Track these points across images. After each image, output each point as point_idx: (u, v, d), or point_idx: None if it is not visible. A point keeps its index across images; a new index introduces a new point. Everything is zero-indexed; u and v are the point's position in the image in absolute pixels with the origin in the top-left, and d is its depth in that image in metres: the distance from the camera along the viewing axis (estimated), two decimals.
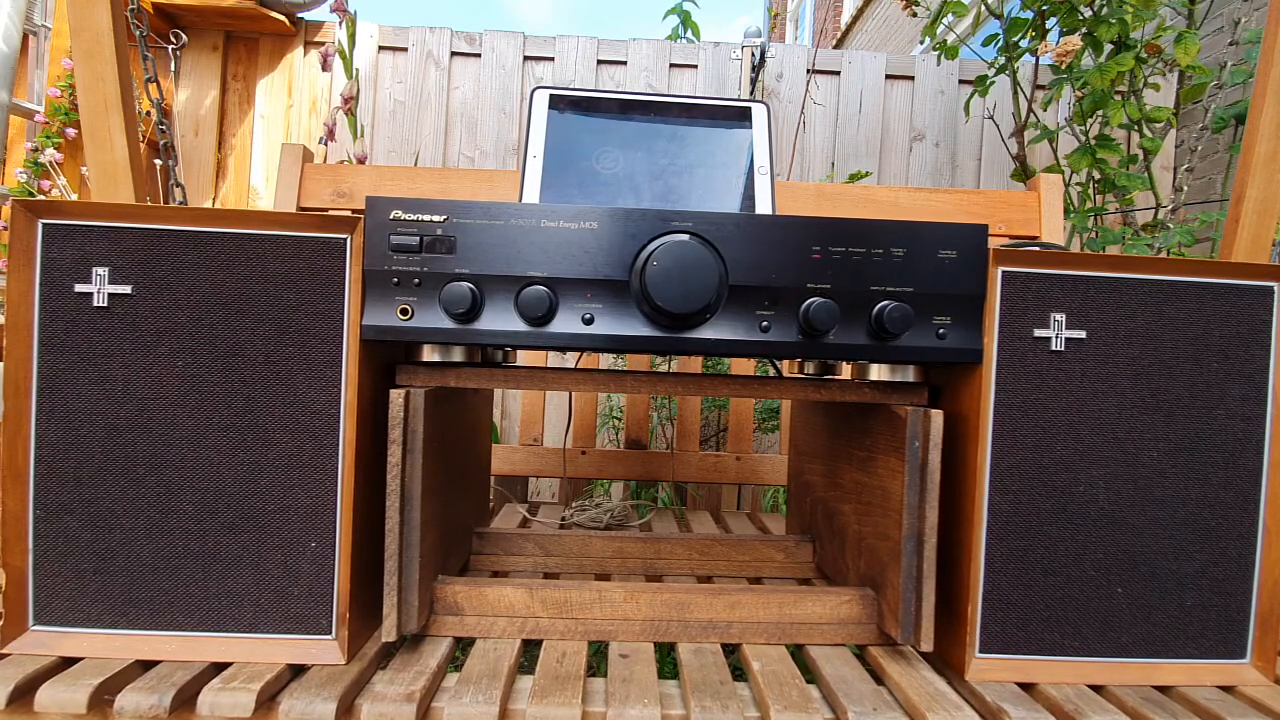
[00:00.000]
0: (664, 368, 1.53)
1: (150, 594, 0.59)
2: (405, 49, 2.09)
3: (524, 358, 1.31)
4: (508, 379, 0.69)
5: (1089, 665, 0.62)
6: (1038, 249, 0.63)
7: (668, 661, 0.98)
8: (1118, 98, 1.58)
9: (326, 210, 1.11)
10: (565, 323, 0.62)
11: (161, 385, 0.59)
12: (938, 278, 0.62)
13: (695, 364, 1.32)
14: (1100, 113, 1.58)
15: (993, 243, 0.87)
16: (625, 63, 2.11)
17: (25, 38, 1.96)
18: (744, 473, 1.26)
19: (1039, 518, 0.62)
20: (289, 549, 0.59)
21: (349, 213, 1.11)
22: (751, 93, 2.02)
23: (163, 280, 0.59)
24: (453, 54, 2.10)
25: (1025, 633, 0.62)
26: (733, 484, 1.74)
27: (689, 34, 2.18)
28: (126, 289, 0.58)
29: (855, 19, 6.32)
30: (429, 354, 0.67)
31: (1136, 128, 1.65)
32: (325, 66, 1.67)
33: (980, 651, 0.61)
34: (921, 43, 2.24)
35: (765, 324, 0.62)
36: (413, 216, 0.60)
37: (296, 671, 0.58)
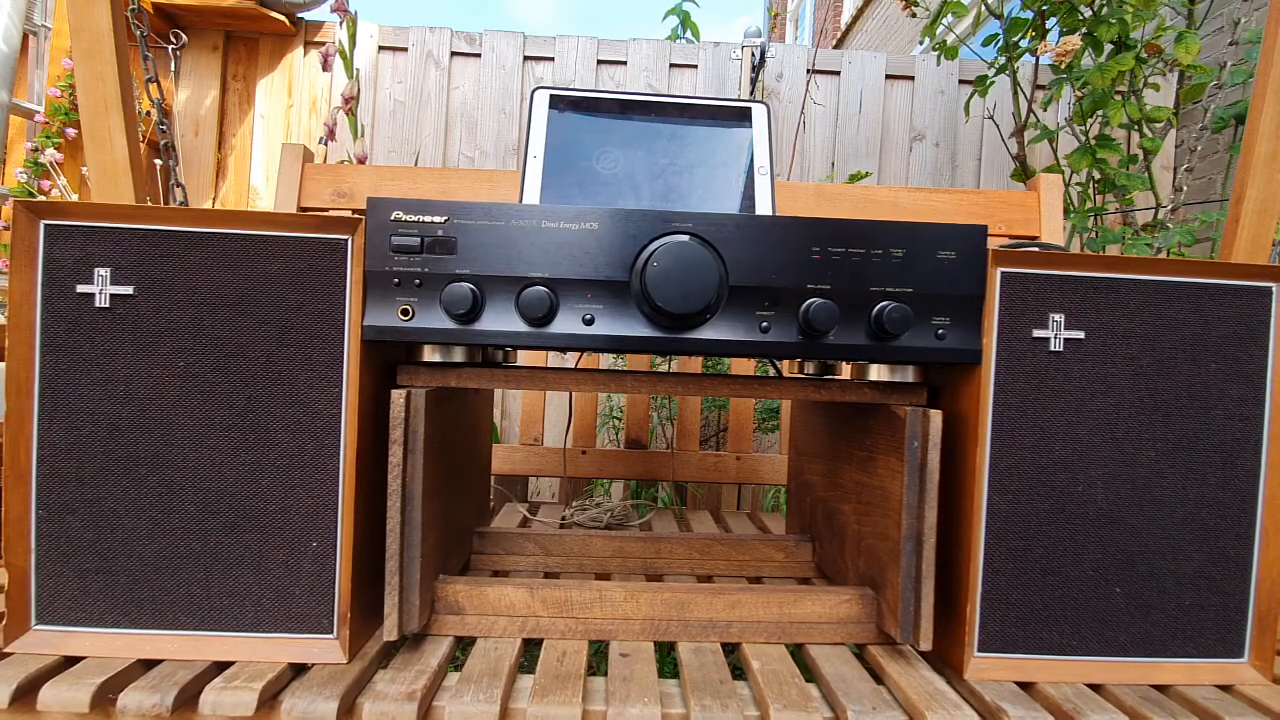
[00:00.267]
0: (664, 368, 1.54)
1: (152, 593, 0.59)
2: (405, 49, 2.10)
3: (524, 358, 1.31)
4: (508, 379, 0.69)
5: (1087, 664, 0.62)
6: (1036, 249, 0.63)
7: (668, 661, 0.99)
8: (1118, 98, 1.58)
9: (327, 210, 1.11)
10: (566, 323, 0.62)
11: (163, 385, 0.59)
12: (937, 278, 0.62)
13: (695, 364, 1.32)
14: (1100, 113, 1.58)
15: (993, 243, 0.88)
16: (625, 63, 2.11)
17: (25, 38, 1.96)
18: (744, 472, 1.27)
19: (1038, 517, 0.62)
20: (291, 549, 0.60)
21: (349, 213, 1.11)
22: (751, 93, 2.02)
23: (165, 281, 0.59)
24: (453, 54, 2.10)
25: (1024, 632, 0.62)
26: (733, 484, 1.74)
27: (689, 34, 2.18)
28: (128, 289, 0.59)
29: (855, 19, 6.31)
30: (430, 354, 0.67)
31: (1136, 128, 1.65)
32: (325, 66, 1.67)
33: (979, 651, 0.62)
34: (921, 43, 2.24)
35: (765, 324, 0.62)
36: (414, 217, 0.60)
37: (298, 671, 0.58)
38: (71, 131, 1.94)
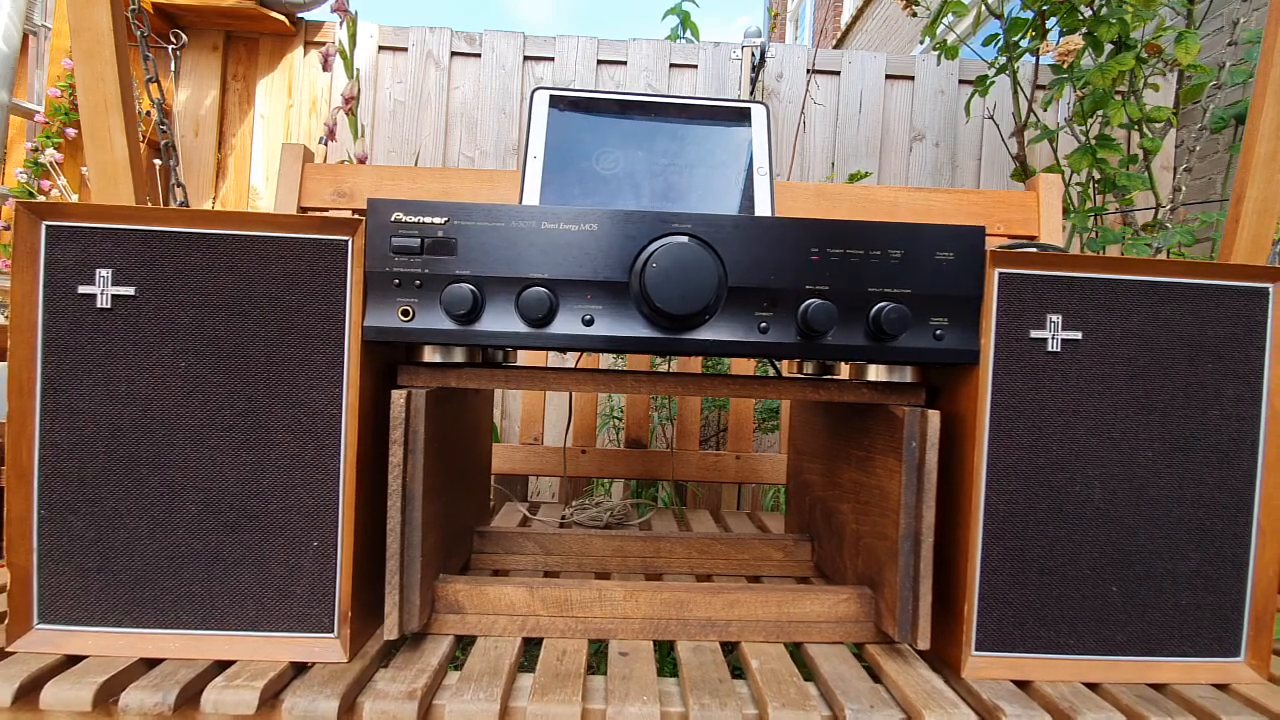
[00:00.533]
0: (664, 368, 1.54)
1: (154, 593, 0.59)
2: (405, 49, 2.10)
3: (524, 358, 1.31)
4: (508, 379, 0.69)
5: (1084, 663, 0.62)
6: (1035, 250, 0.64)
7: (667, 660, 0.99)
8: (1118, 98, 1.58)
9: (327, 210, 1.11)
10: (565, 324, 0.62)
11: (164, 386, 0.59)
12: (935, 279, 0.62)
13: (695, 364, 1.32)
14: (1100, 113, 1.59)
15: (992, 243, 0.88)
16: (625, 63, 2.11)
17: (25, 38, 1.96)
18: (744, 472, 1.27)
19: (1035, 517, 0.62)
20: (291, 548, 0.60)
21: (350, 213, 1.12)
22: (751, 93, 2.02)
23: (166, 282, 0.59)
24: (453, 54, 2.10)
25: (1021, 631, 0.62)
26: (732, 483, 1.75)
27: (688, 34, 2.18)
28: (130, 290, 0.59)
29: (855, 19, 6.31)
30: (430, 355, 0.67)
31: (1136, 128, 1.65)
32: (325, 66, 1.67)
33: (977, 649, 0.62)
34: (921, 43, 2.24)
35: (764, 325, 0.63)
36: (414, 218, 0.61)
37: (299, 669, 0.58)
38: (71, 131, 1.94)
